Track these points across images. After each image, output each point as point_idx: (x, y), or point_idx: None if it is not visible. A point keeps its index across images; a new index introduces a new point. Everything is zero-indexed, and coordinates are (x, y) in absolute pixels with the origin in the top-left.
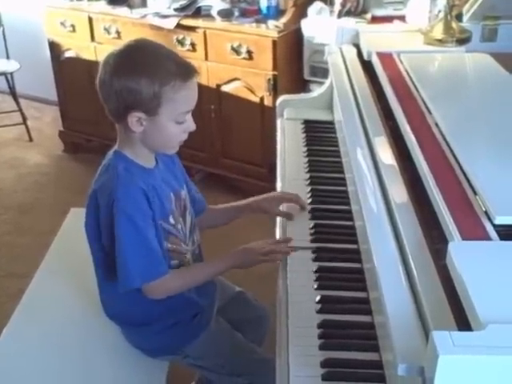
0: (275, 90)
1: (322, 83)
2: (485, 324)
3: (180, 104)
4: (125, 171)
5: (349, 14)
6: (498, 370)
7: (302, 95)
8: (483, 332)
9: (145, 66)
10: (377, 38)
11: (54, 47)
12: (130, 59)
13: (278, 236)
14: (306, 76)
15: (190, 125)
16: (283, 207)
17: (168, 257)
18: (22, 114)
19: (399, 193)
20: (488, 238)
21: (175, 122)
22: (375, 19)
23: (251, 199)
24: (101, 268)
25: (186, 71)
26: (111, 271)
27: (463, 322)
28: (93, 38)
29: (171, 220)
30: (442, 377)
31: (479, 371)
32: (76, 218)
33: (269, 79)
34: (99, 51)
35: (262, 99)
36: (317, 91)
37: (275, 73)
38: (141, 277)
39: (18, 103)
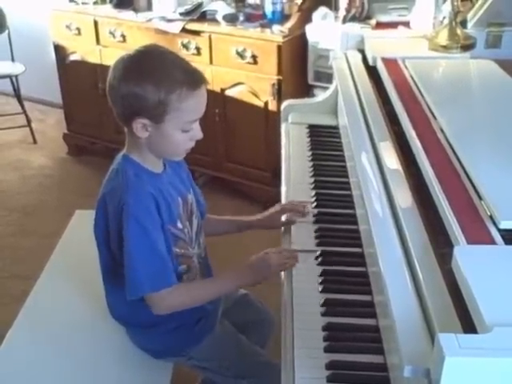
0: (279, 94)
1: (326, 88)
2: (490, 327)
3: (186, 113)
4: (135, 177)
5: (353, 19)
6: (503, 372)
7: (307, 100)
8: (489, 335)
9: (152, 72)
10: (382, 44)
11: (59, 50)
12: (138, 65)
13: (282, 243)
14: (310, 81)
15: (197, 133)
16: (285, 217)
17: (176, 262)
18: (27, 117)
19: (404, 197)
20: (493, 243)
21: (181, 130)
22: (380, 25)
23: (255, 217)
24: (108, 271)
25: (194, 80)
26: (118, 275)
27: (469, 325)
28: (98, 42)
29: (179, 225)
30: (448, 379)
31: (485, 373)
32: (81, 220)
33: (273, 84)
34: (104, 54)
35: (266, 104)
36: (321, 96)
37: (280, 77)
38: (150, 284)
39: (22, 106)
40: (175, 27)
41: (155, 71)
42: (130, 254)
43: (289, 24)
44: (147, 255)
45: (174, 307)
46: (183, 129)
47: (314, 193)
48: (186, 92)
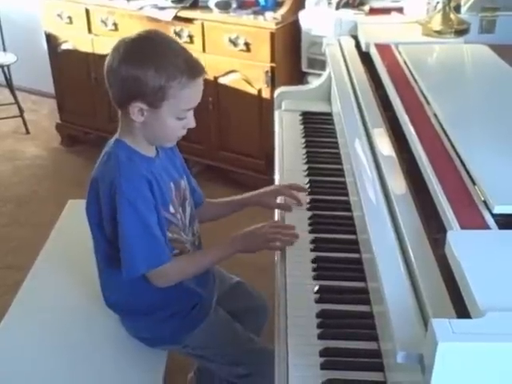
0: (273, 81)
1: (319, 75)
2: (484, 311)
3: (183, 101)
4: (127, 160)
5: (347, 5)
6: (496, 356)
7: (300, 87)
8: (482, 319)
9: (154, 57)
10: (375, 30)
11: (51, 39)
12: (140, 49)
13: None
14: (304, 68)
15: (190, 121)
16: (281, 199)
17: (170, 247)
18: (19, 107)
19: (398, 183)
20: (487, 227)
21: (176, 117)
22: (373, 11)
23: (250, 194)
24: (102, 255)
25: (194, 69)
26: (112, 258)
27: (462, 310)
28: (90, 30)
29: (171, 209)
30: (441, 364)
31: (478, 358)
32: (74, 210)
33: (267, 71)
34: (96, 43)
35: (259, 91)
36: (315, 83)
37: (273, 65)
38: (145, 263)
39: (14, 96)
40: (167, 15)
41: (158, 56)
42: (125, 236)
43: (282, 11)
44: (141, 236)
45: (176, 279)
46: (178, 116)
47: (307, 180)
48: (186, 80)
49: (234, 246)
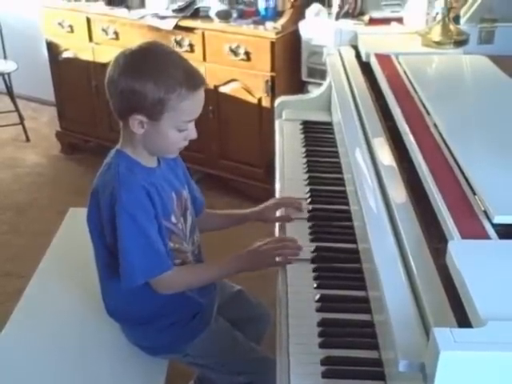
0: (273, 91)
1: (319, 84)
2: (485, 321)
3: (183, 113)
4: (126, 170)
5: (347, 15)
6: (498, 366)
7: (301, 96)
8: (483, 329)
9: (153, 70)
10: (375, 40)
11: (52, 47)
12: (139, 61)
13: (277, 235)
14: (304, 77)
15: (192, 133)
16: (281, 212)
17: (172, 256)
18: (19, 115)
19: (399, 193)
20: (487, 237)
21: (177, 129)
22: (373, 21)
23: (250, 210)
24: (103, 264)
25: (194, 81)
26: (113, 268)
27: (463, 320)
28: (91, 39)
29: (173, 219)
30: (443, 373)
31: (480, 367)
32: (75, 218)
33: (267, 80)
34: (97, 52)
35: (259, 100)
36: (315, 92)
37: (273, 74)
38: (143, 274)
39: (15, 103)
40: (168, 24)
41: (156, 69)
42: (124, 247)
43: (282, 20)
44: (140, 247)
45: (178, 288)
46: (179, 128)
47: (308, 189)
48: (185, 93)
49: (239, 263)
